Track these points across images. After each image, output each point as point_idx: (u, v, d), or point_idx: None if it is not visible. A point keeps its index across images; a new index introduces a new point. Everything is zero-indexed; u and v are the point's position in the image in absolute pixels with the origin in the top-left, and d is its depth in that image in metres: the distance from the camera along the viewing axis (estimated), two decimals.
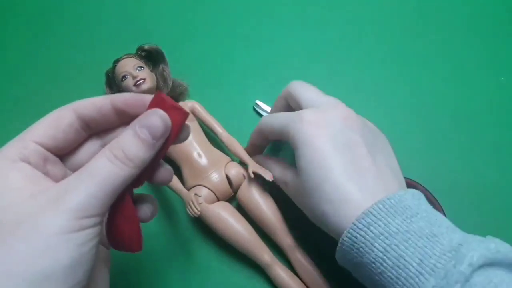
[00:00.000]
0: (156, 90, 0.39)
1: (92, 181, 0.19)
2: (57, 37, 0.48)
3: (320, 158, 0.28)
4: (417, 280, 0.23)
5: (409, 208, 0.26)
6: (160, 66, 0.40)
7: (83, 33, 0.48)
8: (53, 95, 0.44)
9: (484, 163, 0.41)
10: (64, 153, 0.24)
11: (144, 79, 0.37)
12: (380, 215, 0.25)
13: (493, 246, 0.24)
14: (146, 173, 0.22)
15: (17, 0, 0.50)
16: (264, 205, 0.36)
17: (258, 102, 0.43)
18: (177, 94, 0.40)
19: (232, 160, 0.38)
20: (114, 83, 0.39)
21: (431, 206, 0.27)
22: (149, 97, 0.23)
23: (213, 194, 0.36)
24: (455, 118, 0.43)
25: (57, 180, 0.22)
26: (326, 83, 0.45)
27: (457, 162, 0.41)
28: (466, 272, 0.22)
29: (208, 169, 0.37)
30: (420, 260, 0.23)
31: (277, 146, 0.42)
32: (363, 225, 0.25)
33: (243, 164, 0.37)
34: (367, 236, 0.25)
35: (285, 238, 0.35)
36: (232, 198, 0.38)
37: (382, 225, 0.25)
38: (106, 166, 0.20)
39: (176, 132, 0.22)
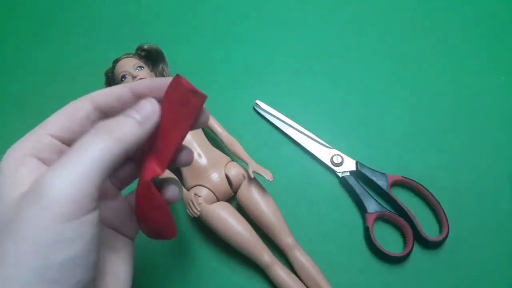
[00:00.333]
0: None
1: (76, 160, 0.18)
2: (57, 37, 0.48)
3: None
4: None
5: None
6: (160, 65, 0.40)
7: (83, 33, 0.48)
8: (53, 95, 0.44)
9: (484, 163, 0.41)
10: None
11: (144, 78, 0.37)
12: None
13: None
14: (170, 159, 0.22)
15: (17, 0, 0.50)
16: (264, 205, 0.36)
17: (258, 102, 0.43)
18: None
19: (232, 160, 0.38)
20: (113, 83, 0.39)
21: None
22: (169, 80, 0.22)
23: (213, 194, 0.36)
24: (456, 118, 0.43)
25: None
26: (326, 83, 0.45)
27: (457, 162, 0.41)
28: None
29: (208, 169, 0.37)
30: None
31: None
32: None
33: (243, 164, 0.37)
34: None
35: (285, 238, 0.35)
36: (232, 198, 0.38)
37: None
38: (92, 141, 0.19)
39: (195, 116, 0.22)
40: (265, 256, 0.35)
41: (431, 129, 0.42)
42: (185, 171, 0.37)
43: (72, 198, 0.17)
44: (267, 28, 0.47)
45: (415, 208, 0.38)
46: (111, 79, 0.40)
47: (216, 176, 0.36)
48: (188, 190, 0.37)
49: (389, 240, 0.37)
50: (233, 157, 0.39)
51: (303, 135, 0.42)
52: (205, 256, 0.38)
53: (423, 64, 0.46)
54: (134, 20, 0.48)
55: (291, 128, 0.42)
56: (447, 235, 0.36)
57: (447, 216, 0.37)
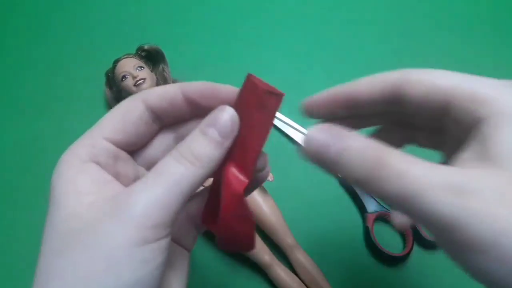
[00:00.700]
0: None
1: (157, 183, 0.18)
2: (57, 37, 0.48)
3: None
4: None
5: None
6: (160, 66, 0.40)
7: (83, 33, 0.48)
8: (53, 95, 0.44)
9: None
10: (135, 149, 0.22)
11: (144, 79, 0.37)
12: None
13: None
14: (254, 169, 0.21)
15: (17, 0, 0.50)
16: (264, 205, 0.36)
17: None
18: None
19: None
20: (114, 83, 0.39)
21: None
22: (221, 87, 0.21)
23: None
24: None
25: (128, 180, 0.21)
26: (326, 83, 0.45)
27: None
28: None
29: None
30: None
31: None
32: None
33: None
34: None
35: (285, 238, 0.35)
36: None
37: None
38: (173, 166, 0.18)
39: (273, 117, 0.21)
40: (265, 256, 0.35)
41: None
42: None
43: (154, 224, 0.17)
44: (267, 28, 0.47)
45: None
46: (112, 79, 0.40)
47: None
48: None
49: (389, 240, 0.37)
50: None
51: (303, 135, 0.42)
52: (205, 256, 0.38)
53: (423, 64, 0.45)
54: (134, 20, 0.48)
55: (291, 128, 0.42)
56: None
57: None
